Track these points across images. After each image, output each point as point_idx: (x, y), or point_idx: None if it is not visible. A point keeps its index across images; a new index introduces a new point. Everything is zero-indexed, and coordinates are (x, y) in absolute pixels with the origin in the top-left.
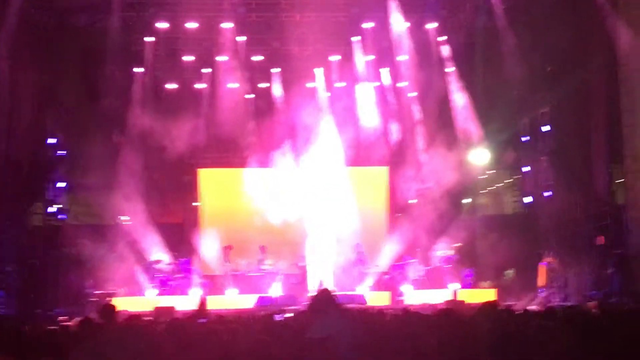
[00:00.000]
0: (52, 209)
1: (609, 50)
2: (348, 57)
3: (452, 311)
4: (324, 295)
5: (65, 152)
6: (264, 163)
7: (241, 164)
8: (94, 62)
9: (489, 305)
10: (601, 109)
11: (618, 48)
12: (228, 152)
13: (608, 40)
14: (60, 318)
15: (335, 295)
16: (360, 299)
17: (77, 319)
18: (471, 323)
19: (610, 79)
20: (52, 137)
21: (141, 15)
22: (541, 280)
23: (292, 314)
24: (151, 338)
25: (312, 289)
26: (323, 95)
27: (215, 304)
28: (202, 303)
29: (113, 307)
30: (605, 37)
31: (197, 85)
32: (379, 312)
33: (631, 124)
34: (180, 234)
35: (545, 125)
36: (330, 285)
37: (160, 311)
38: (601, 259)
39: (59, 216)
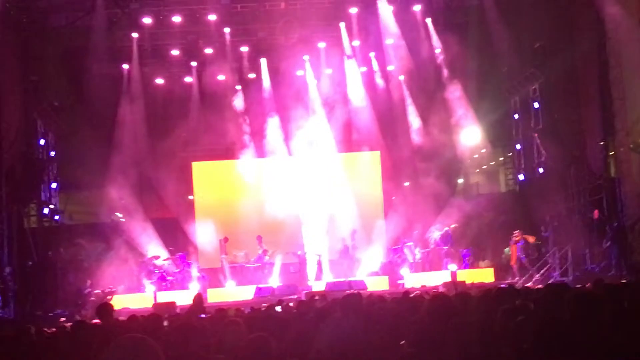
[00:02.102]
0: (47, 210)
1: (598, 25)
2: (336, 43)
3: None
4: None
5: (56, 152)
6: (257, 153)
7: (234, 155)
8: (80, 60)
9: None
10: (592, 83)
11: (606, 22)
12: (220, 144)
13: (596, 14)
14: (62, 319)
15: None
16: (361, 284)
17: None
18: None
19: (600, 52)
20: (42, 137)
21: (125, 11)
22: (512, 258)
23: (292, 304)
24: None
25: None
26: (312, 82)
27: (215, 296)
28: (199, 299)
29: (110, 306)
30: (593, 11)
31: (186, 79)
32: (380, 299)
33: (622, 96)
34: (176, 229)
35: (535, 101)
36: (328, 273)
37: (160, 307)
38: (597, 232)
39: (54, 217)
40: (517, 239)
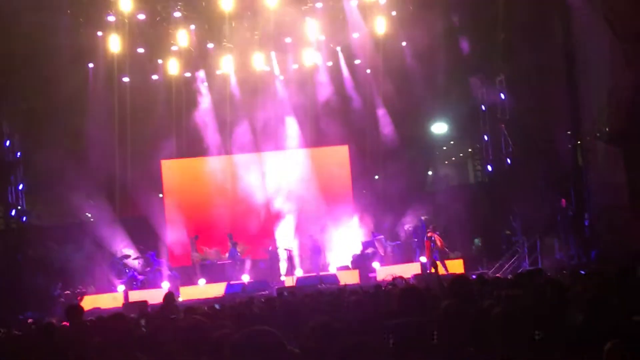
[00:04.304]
0: (14, 211)
1: (564, 16)
2: (302, 38)
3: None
4: None
5: (22, 153)
6: (226, 150)
7: (203, 152)
8: (47, 60)
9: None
10: (558, 73)
11: (572, 13)
12: (189, 142)
13: (562, 6)
14: (30, 321)
15: None
16: (333, 278)
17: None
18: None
19: (566, 43)
20: (8, 138)
21: (91, 9)
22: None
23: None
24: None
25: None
26: (278, 78)
27: (186, 294)
28: (169, 298)
29: (79, 307)
30: (559, 3)
31: (153, 77)
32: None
33: (588, 86)
34: (146, 227)
35: (502, 92)
36: (299, 268)
37: (130, 307)
38: (565, 222)
39: (22, 218)
40: (429, 235)
